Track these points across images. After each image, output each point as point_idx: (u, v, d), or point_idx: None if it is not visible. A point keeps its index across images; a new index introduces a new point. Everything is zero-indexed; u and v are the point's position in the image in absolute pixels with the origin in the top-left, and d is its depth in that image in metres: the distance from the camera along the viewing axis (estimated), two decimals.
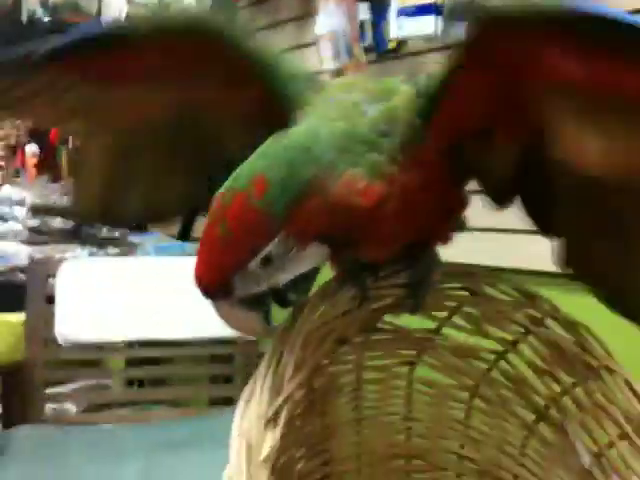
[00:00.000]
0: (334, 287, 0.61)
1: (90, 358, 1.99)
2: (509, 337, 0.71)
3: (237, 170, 0.53)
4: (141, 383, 2.28)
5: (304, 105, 0.61)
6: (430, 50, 1.50)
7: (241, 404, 0.52)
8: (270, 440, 0.49)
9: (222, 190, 0.52)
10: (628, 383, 0.68)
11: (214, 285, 0.53)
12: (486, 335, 0.71)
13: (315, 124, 0.57)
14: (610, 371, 0.69)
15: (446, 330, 0.73)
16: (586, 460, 0.71)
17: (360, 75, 0.67)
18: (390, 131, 0.56)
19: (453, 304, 0.70)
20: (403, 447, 0.77)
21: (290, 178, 0.52)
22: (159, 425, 1.64)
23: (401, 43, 1.55)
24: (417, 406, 0.77)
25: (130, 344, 1.93)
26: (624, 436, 0.68)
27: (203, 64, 0.64)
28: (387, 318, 0.70)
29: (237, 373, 1.99)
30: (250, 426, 0.50)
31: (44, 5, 1.80)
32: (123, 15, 1.92)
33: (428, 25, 1.43)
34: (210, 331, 1.73)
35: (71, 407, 2.07)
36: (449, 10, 1.36)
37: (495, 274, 0.70)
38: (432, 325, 0.72)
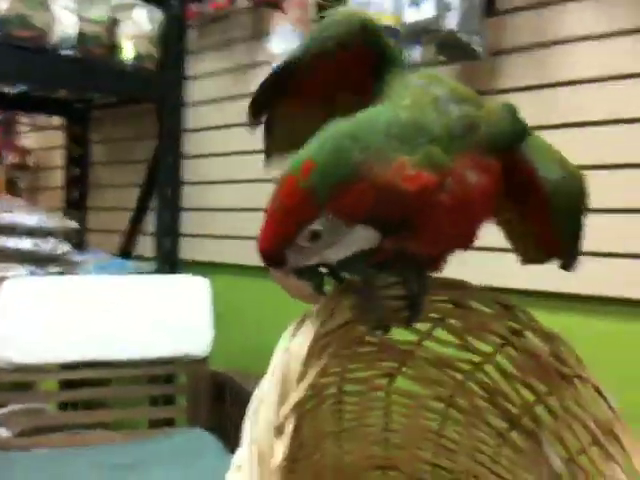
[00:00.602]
0: (337, 294, 0.62)
1: (24, 381, 1.91)
2: (488, 348, 0.74)
3: (295, 155, 0.58)
4: (76, 406, 2.21)
5: (385, 88, 0.65)
6: None
7: (250, 414, 0.52)
8: (281, 448, 0.49)
9: (284, 171, 0.57)
10: (598, 391, 0.72)
11: (269, 254, 0.58)
12: (466, 346, 0.73)
13: (379, 110, 0.59)
14: (582, 380, 0.72)
15: (428, 342, 0.74)
16: (558, 466, 0.74)
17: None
18: (465, 135, 0.59)
19: (437, 316, 0.72)
20: (381, 458, 0.78)
21: (334, 163, 0.55)
22: (100, 449, 1.59)
23: None
24: (395, 417, 0.79)
25: (64, 365, 1.86)
26: (595, 442, 0.71)
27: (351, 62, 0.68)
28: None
29: (178, 394, 1.96)
30: (260, 434, 0.50)
31: None
32: (75, 31, 1.89)
33: None
34: (150, 351, 1.70)
35: (3, 432, 1.97)
36: (406, 34, 1.40)
37: (478, 287, 0.72)
38: (415, 337, 0.74)
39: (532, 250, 0.73)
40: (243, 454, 0.50)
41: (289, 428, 0.52)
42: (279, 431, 0.51)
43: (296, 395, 0.53)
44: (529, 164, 0.64)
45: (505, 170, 0.62)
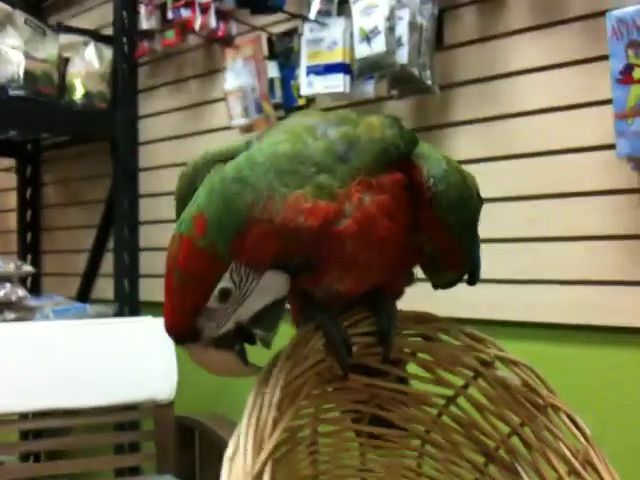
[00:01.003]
0: (305, 335, 0.60)
1: None
2: (460, 381, 0.73)
3: (182, 215, 0.55)
4: (37, 457, 2.13)
5: (261, 137, 0.63)
6: (339, 107, 1.55)
7: (226, 461, 0.50)
8: None
9: (173, 234, 0.54)
10: (572, 419, 0.72)
11: (181, 330, 0.55)
12: (439, 380, 0.73)
13: (256, 150, 0.58)
14: (555, 408, 0.72)
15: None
16: None
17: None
18: (349, 155, 0.57)
19: (408, 350, 0.71)
20: None
21: (227, 211, 0.53)
22: None
23: (311, 100, 1.60)
24: (371, 457, 0.77)
25: (23, 415, 1.80)
26: (572, 472, 0.71)
27: None
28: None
29: (144, 440, 1.91)
30: None
31: None
32: (21, 70, 1.86)
33: (337, 83, 1.48)
34: (114, 397, 1.66)
35: None
36: (358, 70, 1.42)
37: (445, 319, 0.72)
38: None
39: (442, 272, 0.70)
40: None
41: (267, 476, 0.50)
42: (258, 477, 0.49)
43: (273, 440, 0.52)
44: (419, 169, 0.62)
45: (404, 181, 0.61)
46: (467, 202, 0.65)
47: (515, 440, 0.75)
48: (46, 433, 2.01)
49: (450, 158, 0.65)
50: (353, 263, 0.59)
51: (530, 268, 1.32)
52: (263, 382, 0.56)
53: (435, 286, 0.72)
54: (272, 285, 0.56)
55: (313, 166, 0.55)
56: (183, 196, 0.67)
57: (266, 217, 0.53)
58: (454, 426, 0.76)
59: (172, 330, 0.55)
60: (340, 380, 0.72)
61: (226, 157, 0.61)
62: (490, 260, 1.35)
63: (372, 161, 0.58)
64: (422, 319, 0.70)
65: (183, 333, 0.55)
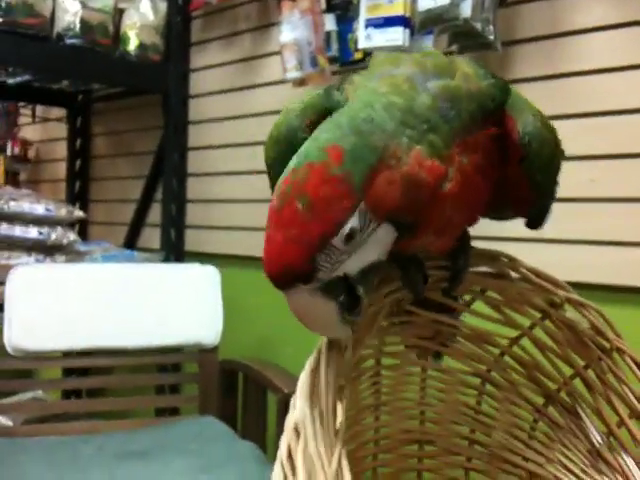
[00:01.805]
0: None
1: (27, 368, 1.89)
2: (526, 321, 0.74)
3: (301, 150, 0.52)
4: (78, 395, 2.20)
5: (347, 85, 0.61)
6: None
7: (307, 372, 0.52)
8: (341, 409, 0.49)
9: (290, 169, 0.50)
10: (637, 363, 0.72)
11: (297, 265, 0.48)
12: (506, 320, 0.73)
13: (368, 99, 0.55)
14: (620, 352, 0.73)
15: (466, 316, 0.74)
16: (597, 440, 0.74)
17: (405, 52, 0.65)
18: (449, 113, 0.56)
19: (477, 288, 0.72)
20: (417, 433, 0.78)
21: (363, 146, 0.51)
22: (108, 436, 1.58)
23: (367, 54, 1.59)
24: (430, 392, 0.79)
25: (66, 353, 1.84)
26: (634, 415, 0.72)
27: None
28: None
29: (187, 382, 1.95)
30: (321, 395, 0.49)
31: None
32: (78, 19, 1.88)
33: (396, 36, 1.47)
34: (160, 340, 1.70)
35: (6, 421, 1.96)
36: (420, 23, 1.41)
37: (517, 259, 0.72)
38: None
39: (503, 211, 0.70)
40: (302, 415, 0.49)
41: (347, 391, 0.51)
42: (339, 393, 0.51)
43: (351, 361, 0.53)
44: (513, 122, 0.61)
45: (498, 135, 0.60)
46: (556, 160, 0.65)
47: (577, 382, 0.75)
48: (89, 372, 2.06)
49: (541, 112, 0.64)
50: (448, 225, 0.59)
51: (592, 229, 1.31)
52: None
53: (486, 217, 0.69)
54: (384, 240, 0.54)
55: (424, 123, 0.54)
56: (279, 158, 0.62)
57: (394, 164, 0.52)
58: (516, 366, 0.77)
59: (285, 267, 0.48)
60: (406, 314, 0.73)
61: (319, 111, 0.60)
62: (551, 221, 1.36)
63: (470, 118, 0.57)
64: (494, 257, 0.71)
65: (298, 270, 0.49)
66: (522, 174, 0.62)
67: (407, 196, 0.52)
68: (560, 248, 1.34)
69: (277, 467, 0.51)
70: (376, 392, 0.75)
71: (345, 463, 0.47)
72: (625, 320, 1.26)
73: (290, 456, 0.50)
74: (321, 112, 0.60)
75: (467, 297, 0.73)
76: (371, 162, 0.51)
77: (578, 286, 1.27)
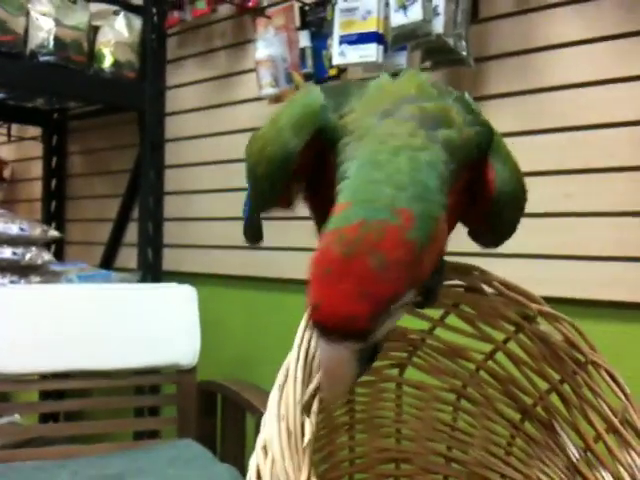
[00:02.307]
0: None
1: (2, 391, 1.85)
2: (500, 335, 0.73)
3: (365, 201, 0.49)
4: (56, 418, 2.15)
5: (346, 111, 0.59)
6: (371, 77, 1.54)
7: (275, 390, 0.50)
8: (309, 425, 0.48)
9: (356, 220, 0.47)
10: (612, 376, 0.72)
11: (363, 322, 0.46)
12: (479, 334, 0.73)
13: (396, 150, 0.52)
14: (596, 365, 0.72)
15: (439, 331, 0.74)
16: (574, 455, 0.73)
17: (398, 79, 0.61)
18: (451, 167, 0.55)
19: (450, 302, 0.71)
20: (393, 451, 0.77)
21: (428, 216, 0.49)
22: (85, 460, 1.54)
23: (342, 70, 1.59)
24: (406, 409, 0.77)
25: (44, 376, 1.81)
26: (611, 429, 0.71)
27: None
28: None
29: (165, 404, 1.92)
30: (287, 411, 0.48)
31: None
32: (52, 36, 1.86)
33: (370, 52, 1.47)
34: (137, 361, 1.67)
35: None
36: (393, 38, 1.41)
37: (489, 272, 0.72)
38: (426, 325, 0.73)
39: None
40: (270, 433, 0.48)
41: (316, 406, 0.50)
42: (307, 409, 0.49)
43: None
44: (492, 172, 0.61)
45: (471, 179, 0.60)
46: (520, 213, 0.66)
47: (553, 397, 0.74)
48: (66, 394, 2.02)
49: (517, 165, 0.64)
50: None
51: (566, 244, 1.31)
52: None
53: None
54: (409, 302, 0.52)
55: (445, 185, 0.53)
56: (269, 176, 0.60)
57: (440, 235, 0.51)
58: (491, 381, 0.76)
59: (349, 320, 0.46)
60: None
61: (313, 132, 0.59)
62: (525, 235, 1.36)
63: (461, 168, 0.57)
64: (465, 270, 0.70)
65: (361, 326, 0.47)
66: (490, 210, 0.62)
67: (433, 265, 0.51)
68: (535, 263, 1.34)
69: None
70: (350, 410, 0.74)
71: None
72: (600, 335, 1.27)
73: (259, 476, 0.49)
74: (315, 133, 0.58)
75: (440, 311, 0.72)
76: (432, 233, 0.49)
77: (554, 301, 1.27)
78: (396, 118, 0.56)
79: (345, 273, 0.46)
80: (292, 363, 0.52)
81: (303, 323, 0.55)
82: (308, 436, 0.47)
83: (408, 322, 0.73)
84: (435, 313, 0.72)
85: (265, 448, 0.49)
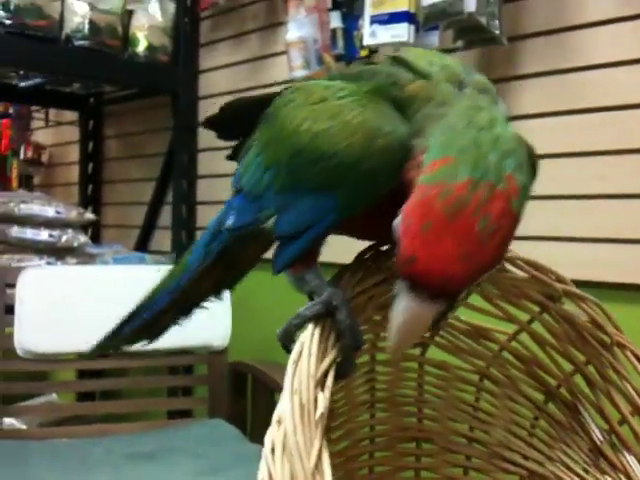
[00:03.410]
0: (371, 255, 0.60)
1: (40, 370, 1.90)
2: (524, 315, 0.72)
3: (475, 158, 0.47)
4: (92, 397, 2.20)
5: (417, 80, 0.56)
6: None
7: (290, 364, 0.50)
8: (322, 400, 0.48)
9: (465, 177, 0.46)
10: (638, 358, 0.70)
11: (463, 283, 0.46)
12: (503, 315, 0.72)
13: (495, 126, 0.51)
14: (621, 347, 0.71)
15: (462, 311, 0.73)
16: (598, 437, 0.72)
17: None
18: None
19: None
20: (414, 430, 0.76)
21: (527, 187, 0.49)
22: (118, 438, 1.58)
23: (373, 50, 1.58)
24: (428, 389, 0.77)
25: (81, 355, 1.85)
26: (636, 412, 0.70)
27: None
28: None
29: (197, 385, 1.95)
30: (301, 385, 0.48)
31: (5, 7, 1.74)
32: (86, 21, 1.89)
33: (401, 32, 1.45)
34: (170, 342, 1.69)
35: (20, 424, 1.97)
36: (425, 18, 1.39)
37: (512, 250, 0.70)
38: None
39: None
40: (284, 407, 0.48)
41: (330, 381, 0.50)
42: (321, 384, 0.49)
43: (335, 351, 0.52)
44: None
45: None
46: None
47: (578, 378, 0.73)
48: (103, 374, 2.07)
49: None
50: None
51: (600, 226, 1.28)
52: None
53: None
54: None
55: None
56: (384, 168, 0.54)
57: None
58: (515, 362, 0.75)
59: (450, 279, 0.45)
60: None
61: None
62: (558, 217, 1.33)
63: None
64: None
65: (460, 286, 0.47)
66: None
67: None
68: (568, 245, 1.32)
69: (262, 462, 0.50)
70: (371, 388, 0.74)
71: (326, 457, 0.46)
72: (634, 319, 1.25)
73: (273, 450, 0.49)
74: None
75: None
76: (525, 207, 0.49)
77: (586, 284, 1.25)
78: (473, 89, 0.56)
79: (448, 231, 0.45)
80: (307, 339, 0.52)
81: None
82: (321, 410, 0.47)
83: None
84: None
85: (279, 422, 0.49)
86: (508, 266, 0.69)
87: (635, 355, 0.70)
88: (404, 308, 0.48)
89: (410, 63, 0.57)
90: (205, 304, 0.83)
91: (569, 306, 0.71)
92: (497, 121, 0.52)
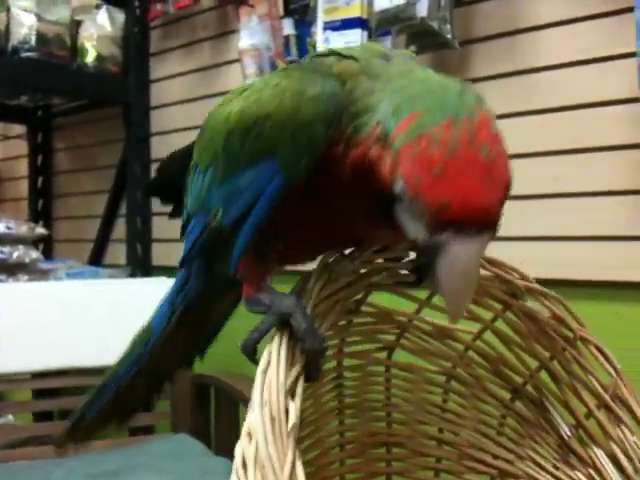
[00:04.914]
0: (335, 260, 0.59)
1: None
2: (488, 314, 0.72)
3: (426, 106, 0.48)
4: (50, 417, 2.14)
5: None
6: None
7: (258, 375, 0.49)
8: (294, 410, 0.47)
9: (443, 121, 0.47)
10: (602, 352, 0.71)
11: (497, 209, 0.47)
12: (466, 314, 0.72)
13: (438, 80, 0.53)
14: (585, 341, 0.71)
15: (427, 312, 0.73)
16: (566, 433, 0.72)
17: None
18: None
19: None
20: (384, 435, 0.76)
21: (494, 115, 0.50)
22: (80, 458, 1.53)
23: None
24: (396, 392, 0.77)
25: (36, 374, 1.80)
26: (602, 405, 0.70)
27: None
28: (370, 300, 0.69)
29: (159, 399, 1.90)
30: (271, 396, 0.47)
31: None
32: (33, 32, 1.84)
33: (354, 39, 1.46)
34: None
35: None
36: (377, 23, 1.40)
37: None
38: (413, 306, 0.72)
39: None
40: (254, 419, 0.47)
41: (300, 390, 0.49)
42: (291, 392, 0.48)
43: (304, 357, 0.51)
44: None
45: None
46: None
47: (543, 375, 0.74)
48: (59, 392, 2.01)
49: None
50: None
51: (555, 225, 1.30)
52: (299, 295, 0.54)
53: None
54: None
55: None
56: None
57: None
58: (481, 361, 0.75)
59: (488, 208, 0.46)
60: (365, 312, 0.71)
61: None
62: (515, 217, 1.34)
63: None
64: None
65: (497, 213, 0.47)
66: None
67: None
68: (523, 245, 1.33)
69: (233, 477, 0.48)
70: (339, 395, 0.73)
71: (300, 469, 0.45)
72: (590, 315, 1.27)
73: (244, 463, 0.48)
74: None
75: (426, 291, 0.72)
76: None
77: (543, 282, 1.26)
78: (399, 58, 0.57)
79: (459, 167, 0.46)
80: (275, 347, 0.51)
81: None
82: (293, 420, 0.46)
83: (394, 303, 0.72)
84: (421, 294, 0.71)
85: (250, 434, 0.48)
86: None
87: (598, 349, 0.71)
88: (458, 256, 0.47)
89: (332, 51, 0.59)
90: (174, 374, 0.80)
91: (532, 303, 0.71)
92: (431, 74, 0.54)
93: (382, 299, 0.71)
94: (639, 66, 1.14)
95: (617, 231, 1.23)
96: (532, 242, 1.33)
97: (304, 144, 0.53)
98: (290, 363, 0.50)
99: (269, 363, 0.50)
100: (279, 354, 0.50)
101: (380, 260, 0.64)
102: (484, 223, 0.47)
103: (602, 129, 1.25)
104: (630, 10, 1.16)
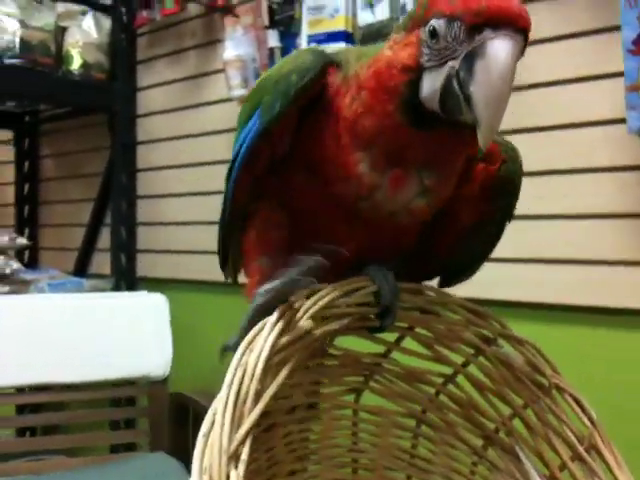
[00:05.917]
0: (288, 309, 0.56)
1: None
2: (460, 358, 0.69)
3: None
4: (33, 432, 2.11)
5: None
6: None
7: (200, 438, 0.46)
8: (236, 478, 0.44)
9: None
10: (577, 401, 0.68)
11: (527, 15, 0.52)
12: (437, 357, 0.69)
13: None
14: (560, 389, 0.68)
15: (396, 354, 0.70)
16: None
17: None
18: None
19: (405, 325, 0.67)
20: None
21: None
22: (60, 475, 1.50)
23: None
24: (363, 437, 0.73)
25: (20, 389, 1.77)
26: (576, 457, 0.67)
27: None
28: (336, 342, 0.66)
29: (139, 417, 1.88)
30: (212, 462, 0.44)
31: None
32: (17, 39, 1.81)
33: None
34: (109, 373, 1.63)
35: None
36: (361, 37, 1.37)
37: (444, 292, 0.68)
38: (381, 348, 0.69)
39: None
40: None
41: (245, 454, 0.46)
42: (235, 459, 0.45)
43: (253, 416, 0.48)
44: None
45: None
46: None
47: (517, 422, 0.70)
48: (42, 408, 1.98)
49: None
50: None
51: (536, 246, 1.27)
52: (245, 351, 0.51)
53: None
54: None
55: None
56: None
57: None
58: (452, 406, 0.72)
59: (522, 12, 0.51)
60: (332, 355, 0.68)
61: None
62: None
63: None
64: (418, 291, 0.66)
65: (528, 19, 0.52)
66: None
67: None
68: (502, 266, 1.29)
69: None
70: (303, 440, 0.70)
71: None
72: (565, 339, 1.23)
73: None
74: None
75: (395, 334, 0.68)
76: None
77: (519, 305, 1.23)
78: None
79: None
80: (220, 406, 0.47)
81: (235, 362, 0.51)
82: None
83: (363, 346, 0.69)
84: (390, 336, 0.68)
85: None
86: (440, 309, 0.66)
87: (574, 398, 0.67)
88: (497, 53, 0.50)
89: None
90: None
91: (506, 348, 0.68)
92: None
93: (350, 342, 0.68)
94: (625, 86, 1.11)
95: (600, 255, 1.20)
96: (510, 264, 1.29)
97: (280, 90, 0.60)
98: (237, 423, 0.47)
99: (212, 424, 0.46)
100: (224, 415, 0.47)
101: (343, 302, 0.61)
102: (518, 23, 0.51)
103: (586, 150, 1.22)
104: (617, 29, 1.14)
